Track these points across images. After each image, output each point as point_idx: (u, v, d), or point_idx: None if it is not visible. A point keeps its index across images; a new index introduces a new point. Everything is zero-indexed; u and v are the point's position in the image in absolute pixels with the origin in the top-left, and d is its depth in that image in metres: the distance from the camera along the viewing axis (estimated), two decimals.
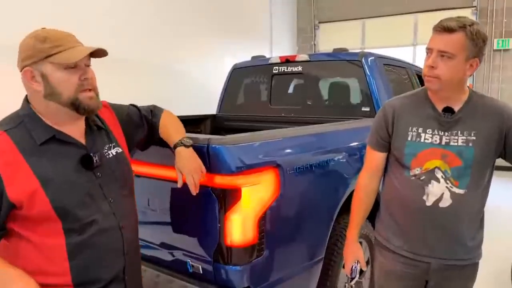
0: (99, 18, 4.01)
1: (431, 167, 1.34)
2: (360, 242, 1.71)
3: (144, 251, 1.70)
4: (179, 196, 1.66)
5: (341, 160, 2.04)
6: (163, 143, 1.49)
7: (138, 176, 1.66)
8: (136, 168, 1.53)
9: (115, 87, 3.17)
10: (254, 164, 1.57)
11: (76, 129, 1.16)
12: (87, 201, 1.12)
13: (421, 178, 1.35)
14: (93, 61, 1.17)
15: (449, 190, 1.32)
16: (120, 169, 1.25)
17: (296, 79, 3.42)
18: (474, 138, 1.31)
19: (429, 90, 1.36)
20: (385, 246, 1.50)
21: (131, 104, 1.49)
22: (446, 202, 1.33)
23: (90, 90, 1.12)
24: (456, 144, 1.31)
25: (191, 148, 1.40)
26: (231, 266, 1.55)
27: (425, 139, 1.35)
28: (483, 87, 6.83)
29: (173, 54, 5.09)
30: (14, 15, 3.33)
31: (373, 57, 2.89)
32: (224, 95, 3.72)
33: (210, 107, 4.04)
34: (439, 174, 1.33)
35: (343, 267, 1.93)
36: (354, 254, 1.56)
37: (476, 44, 1.24)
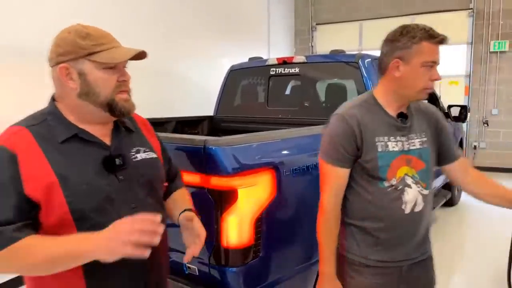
0: (97, 21, 4.00)
1: (401, 175, 1.32)
2: None
3: None
4: None
5: None
6: None
7: None
8: None
9: None
10: (251, 165, 1.57)
11: (102, 129, 1.08)
12: (106, 206, 1.01)
13: (398, 188, 1.31)
14: None
15: (421, 194, 1.33)
16: (150, 173, 1.14)
17: (293, 81, 3.42)
18: (425, 138, 1.37)
19: (417, 100, 1.35)
20: (363, 263, 1.37)
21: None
22: (420, 206, 1.33)
23: (126, 92, 1.07)
24: (415, 147, 1.33)
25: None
26: (227, 268, 1.55)
27: (392, 147, 1.31)
28: (480, 89, 6.85)
29: (171, 55, 5.08)
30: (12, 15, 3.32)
31: (369, 59, 2.90)
32: (221, 96, 3.72)
33: (207, 109, 4.03)
34: (409, 180, 1.32)
35: None
36: None
37: None
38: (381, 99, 1.35)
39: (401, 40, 1.25)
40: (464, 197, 5.01)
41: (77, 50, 1.00)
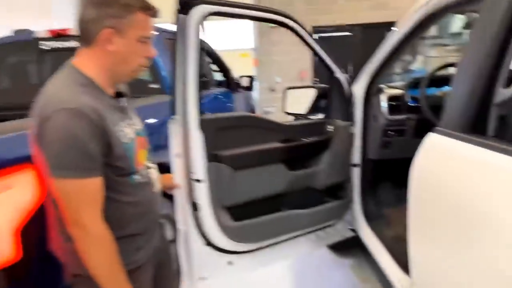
0: None
1: (143, 160, 1.21)
2: (163, 223, 1.58)
3: None
4: None
5: None
6: None
7: None
8: None
9: None
10: (5, 162, 1.25)
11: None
12: None
13: (146, 175, 1.21)
14: None
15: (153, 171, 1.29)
16: None
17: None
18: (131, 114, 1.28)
19: (130, 79, 1.20)
20: (138, 267, 1.21)
21: None
22: (157, 185, 1.29)
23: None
24: (138, 127, 1.23)
25: None
26: None
27: (130, 134, 1.14)
28: (266, 60, 7.69)
29: None
30: None
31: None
32: None
33: None
34: (148, 163, 1.25)
35: None
36: None
37: None
38: (97, 78, 1.10)
39: (113, 5, 1.06)
40: None
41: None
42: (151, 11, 1.12)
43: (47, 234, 1.27)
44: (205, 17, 1.65)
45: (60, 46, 2.81)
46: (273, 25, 2.07)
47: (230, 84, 4.36)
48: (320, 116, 2.36)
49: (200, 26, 1.65)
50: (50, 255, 1.36)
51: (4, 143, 1.31)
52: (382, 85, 2.29)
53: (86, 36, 1.09)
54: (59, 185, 1.02)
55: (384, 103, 2.19)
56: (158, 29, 2.82)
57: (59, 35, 2.82)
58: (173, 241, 2.21)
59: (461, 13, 3.01)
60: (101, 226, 1.05)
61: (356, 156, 2.28)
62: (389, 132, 2.23)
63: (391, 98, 2.21)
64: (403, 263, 1.82)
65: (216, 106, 3.54)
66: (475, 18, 1.24)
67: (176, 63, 1.64)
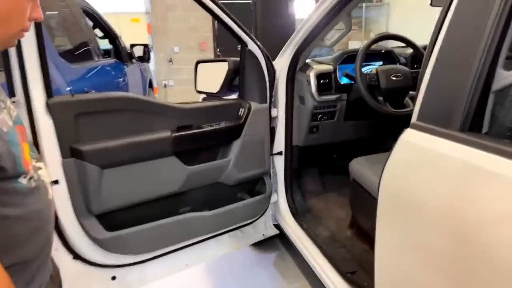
0: None
1: (28, 156, 0.83)
2: None
3: None
4: None
5: None
6: None
7: None
8: None
9: None
10: None
11: None
12: None
13: (38, 178, 0.85)
14: None
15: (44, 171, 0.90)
16: None
17: None
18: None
19: (8, 46, 0.82)
20: None
21: None
22: (51, 191, 0.91)
23: None
24: (14, 112, 0.86)
25: None
26: None
27: (4, 119, 0.79)
28: (161, 27, 6.91)
29: None
30: None
31: None
32: None
33: None
34: (33, 160, 0.85)
35: None
36: None
37: None
38: None
39: None
40: None
41: None
42: None
43: None
44: None
45: None
46: None
47: (120, 53, 3.65)
48: (234, 96, 1.94)
49: None
50: None
51: None
52: (308, 60, 1.95)
53: None
54: None
55: (313, 81, 1.86)
56: None
57: None
58: None
59: None
60: None
61: (279, 144, 1.95)
62: (318, 115, 1.93)
63: (320, 76, 1.89)
64: (337, 265, 1.62)
65: (102, 81, 2.87)
66: None
67: None
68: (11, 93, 1.26)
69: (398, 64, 2.01)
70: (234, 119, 1.77)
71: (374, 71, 1.76)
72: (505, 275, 0.70)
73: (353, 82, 1.89)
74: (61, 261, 1.39)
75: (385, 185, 1.00)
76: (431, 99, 0.91)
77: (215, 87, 1.90)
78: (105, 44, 3.72)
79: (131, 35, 6.24)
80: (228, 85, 1.89)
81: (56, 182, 1.36)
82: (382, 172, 1.00)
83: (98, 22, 3.48)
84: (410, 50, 2.03)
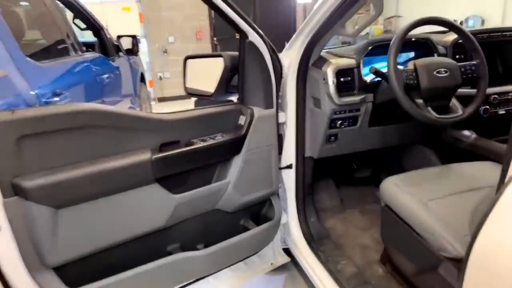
0: None
1: None
2: None
3: None
4: None
5: None
6: None
7: None
8: None
9: None
10: None
11: None
12: None
13: None
14: None
15: None
16: None
17: None
18: None
19: None
20: None
21: None
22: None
23: None
24: None
25: None
26: None
27: None
28: (154, 16, 6.49)
29: None
30: None
31: None
32: None
33: None
34: None
35: None
36: None
37: None
38: None
39: None
40: None
41: None
42: None
43: None
44: None
45: None
46: None
47: (105, 47, 3.26)
48: (233, 99, 1.57)
49: None
50: None
51: None
52: (323, 53, 1.57)
53: None
54: None
55: (331, 80, 1.48)
56: None
57: None
58: None
59: None
60: None
61: (289, 155, 1.59)
62: (337, 120, 1.55)
63: (340, 72, 1.50)
64: None
65: (81, 79, 2.49)
66: None
67: None
68: None
69: (436, 55, 1.63)
70: (233, 129, 1.40)
71: (411, 66, 1.36)
72: None
73: (381, 79, 1.51)
74: None
75: (482, 255, 0.64)
76: None
77: (208, 89, 1.53)
78: (89, 36, 3.34)
79: (123, 25, 5.82)
80: (225, 85, 1.51)
81: None
82: (475, 231, 0.64)
83: (79, 12, 3.09)
84: (450, 38, 1.64)
